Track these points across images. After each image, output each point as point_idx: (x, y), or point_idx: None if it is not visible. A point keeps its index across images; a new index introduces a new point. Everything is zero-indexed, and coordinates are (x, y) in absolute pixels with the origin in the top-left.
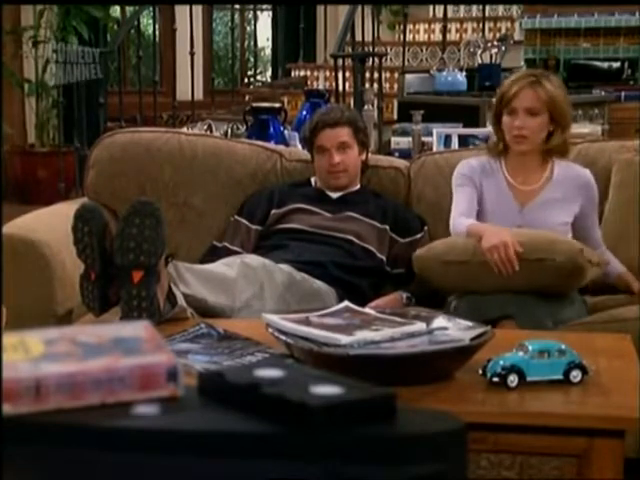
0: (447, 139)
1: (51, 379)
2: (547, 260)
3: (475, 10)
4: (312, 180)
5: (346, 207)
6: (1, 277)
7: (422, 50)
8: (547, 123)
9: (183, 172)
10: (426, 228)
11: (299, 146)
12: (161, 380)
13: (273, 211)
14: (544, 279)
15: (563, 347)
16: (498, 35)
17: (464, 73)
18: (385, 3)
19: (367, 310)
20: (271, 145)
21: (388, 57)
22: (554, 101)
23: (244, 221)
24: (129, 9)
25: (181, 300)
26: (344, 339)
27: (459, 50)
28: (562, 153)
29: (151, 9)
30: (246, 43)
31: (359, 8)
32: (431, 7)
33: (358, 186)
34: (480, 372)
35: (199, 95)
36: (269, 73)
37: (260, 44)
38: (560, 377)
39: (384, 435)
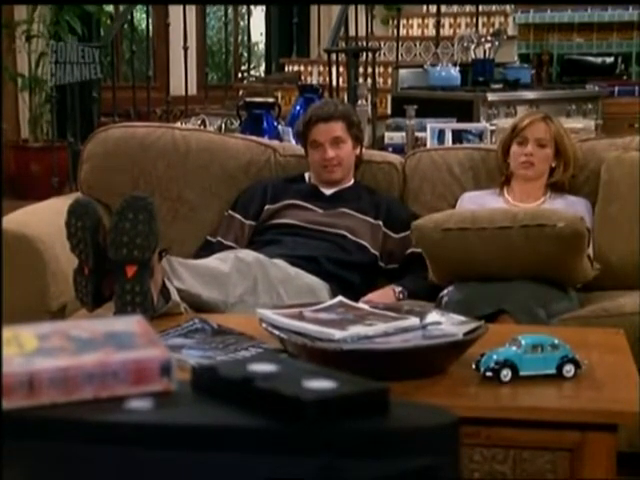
0: (441, 134)
1: (44, 374)
2: (548, 226)
3: (469, 5)
4: (306, 176)
5: (340, 203)
6: (1, 272)
7: (416, 45)
8: (552, 157)
9: (177, 167)
10: None
11: (293, 141)
12: (154, 374)
13: (267, 206)
14: (545, 246)
15: (556, 342)
16: (492, 30)
17: (458, 68)
18: (380, 3)
19: (361, 305)
20: (265, 140)
21: (382, 52)
22: (561, 137)
23: (238, 216)
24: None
25: (175, 295)
26: (338, 334)
27: (453, 45)
28: (560, 189)
29: (144, 4)
30: (240, 38)
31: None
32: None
33: (352, 181)
34: (473, 366)
35: (193, 90)
36: (263, 68)
37: (254, 39)
38: (553, 371)
39: (377, 429)
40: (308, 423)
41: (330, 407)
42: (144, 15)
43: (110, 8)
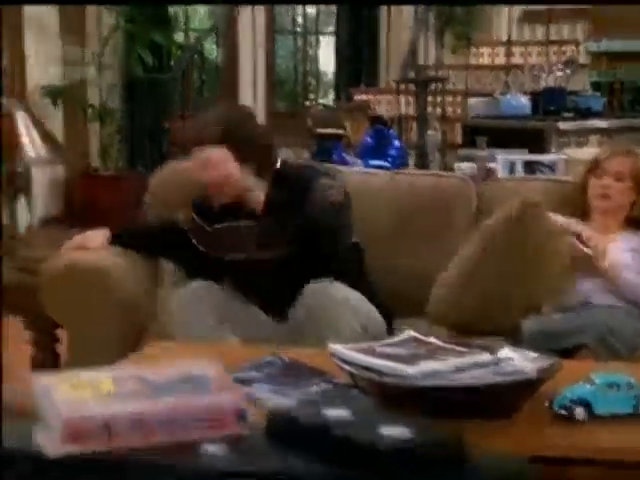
0: (511, 165)
1: (121, 418)
2: None
3: (540, 34)
4: None
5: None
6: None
7: (486, 74)
8: (631, 191)
9: None
10: None
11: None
12: (229, 419)
13: None
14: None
15: (632, 380)
16: (563, 58)
17: (528, 97)
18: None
19: (432, 340)
20: None
21: (451, 81)
22: None
23: None
24: (192, 35)
25: None
26: (410, 370)
27: (523, 73)
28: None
29: (214, 34)
30: (308, 67)
31: (422, 32)
32: (494, 30)
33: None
34: (547, 404)
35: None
36: (331, 97)
37: (322, 68)
38: (630, 411)
39: None
40: (384, 472)
41: (406, 456)
42: (214, 46)
43: (180, 38)
